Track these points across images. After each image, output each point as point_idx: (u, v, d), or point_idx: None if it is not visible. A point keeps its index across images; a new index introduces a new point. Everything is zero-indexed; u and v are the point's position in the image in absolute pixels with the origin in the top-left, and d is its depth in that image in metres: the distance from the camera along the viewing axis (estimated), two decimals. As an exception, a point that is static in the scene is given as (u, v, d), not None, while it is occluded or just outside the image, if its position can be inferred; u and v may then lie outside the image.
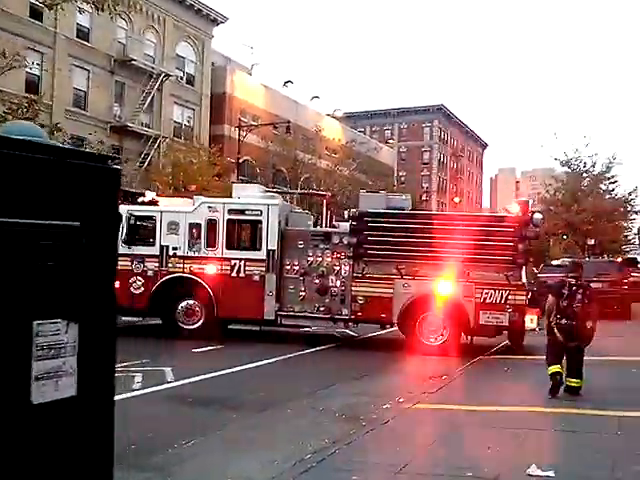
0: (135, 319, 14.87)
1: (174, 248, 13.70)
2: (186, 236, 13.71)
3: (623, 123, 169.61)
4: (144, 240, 13.99)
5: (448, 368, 10.92)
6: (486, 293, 12.15)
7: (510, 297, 12.11)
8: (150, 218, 14.07)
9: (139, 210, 14.30)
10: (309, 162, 46.31)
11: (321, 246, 13.33)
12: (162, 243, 13.79)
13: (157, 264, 13.78)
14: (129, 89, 36.51)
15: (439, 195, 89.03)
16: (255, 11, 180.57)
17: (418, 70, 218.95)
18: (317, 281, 13.24)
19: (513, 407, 7.77)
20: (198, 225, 13.68)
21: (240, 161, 41.77)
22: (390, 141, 79.69)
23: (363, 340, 14.94)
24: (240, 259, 13.47)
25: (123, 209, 14.82)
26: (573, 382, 8.20)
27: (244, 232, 14.17)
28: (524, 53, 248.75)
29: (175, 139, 39.30)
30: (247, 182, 44.84)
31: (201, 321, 13.64)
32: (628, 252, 45.05)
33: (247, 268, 13.40)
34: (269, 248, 13.35)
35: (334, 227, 14.81)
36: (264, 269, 13.34)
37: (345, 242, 13.12)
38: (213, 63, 44.59)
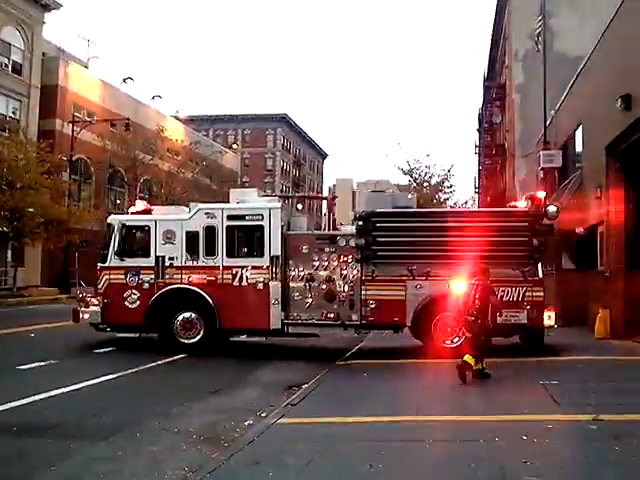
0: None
1: (171, 258, 12.76)
2: (183, 245, 12.76)
3: (458, 135, 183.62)
4: (138, 251, 13.02)
5: (306, 375, 10.42)
6: (502, 291, 11.50)
7: (527, 294, 11.67)
8: (144, 228, 13.03)
9: (132, 220, 13.23)
10: (150, 163, 44.16)
11: (326, 250, 12.53)
12: (158, 253, 12.82)
13: (153, 276, 12.75)
14: (-58, 73, 32.32)
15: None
16: (96, 1, 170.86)
17: (263, 78, 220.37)
18: (324, 286, 12.46)
19: (383, 417, 7.38)
20: (196, 233, 12.75)
21: (73, 159, 38.78)
22: (234, 146, 78.74)
23: (216, 348, 14.01)
24: (242, 267, 12.54)
25: (115, 219, 13.47)
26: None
27: (245, 238, 13.08)
28: (364, 69, 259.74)
29: (-3, 132, 35.49)
30: (81, 181, 41.98)
31: (200, 334, 12.66)
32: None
33: (250, 276, 12.56)
34: (272, 254, 12.51)
35: (336, 230, 13.85)
36: (268, 276, 12.51)
37: (352, 244, 12.36)
38: (44, 53, 40.97)
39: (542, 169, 24.25)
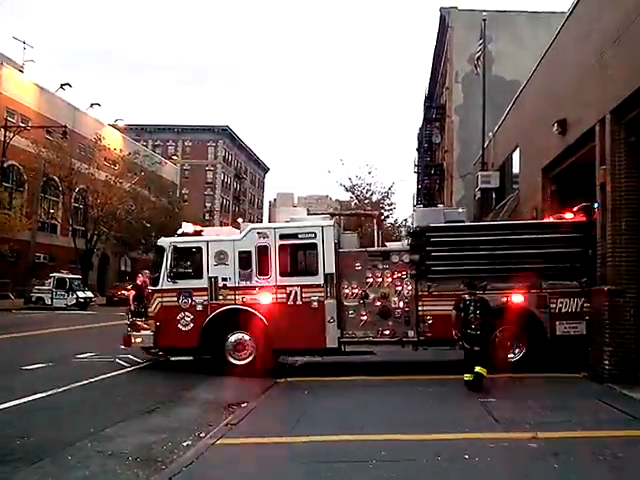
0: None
1: (224, 279, 12.42)
2: (236, 265, 12.47)
3: (399, 153, 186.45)
4: (191, 273, 12.70)
5: (246, 393, 10.22)
6: (561, 302, 11.64)
7: (586, 305, 11.57)
8: (196, 249, 12.68)
9: (183, 242, 12.85)
10: (86, 172, 42.96)
11: (380, 266, 12.30)
12: (210, 274, 12.46)
13: (206, 297, 12.45)
14: None
15: (222, 215, 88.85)
16: (34, 4, 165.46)
17: (205, 89, 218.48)
18: (378, 303, 12.19)
19: (324, 437, 7.26)
20: (248, 253, 12.49)
21: (4, 165, 37.32)
22: (174, 157, 77.68)
23: (152, 366, 13.61)
24: (296, 286, 12.23)
25: (166, 241, 13.03)
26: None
27: (298, 257, 12.76)
28: (308, 85, 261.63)
29: None
30: (12, 189, 40.38)
31: (253, 355, 12.35)
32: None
33: (304, 295, 12.29)
34: (326, 272, 12.27)
35: (385, 246, 13.59)
36: (322, 294, 12.23)
37: (406, 260, 12.18)
38: (-25, 53, 39.46)
39: (479, 189, 24.87)
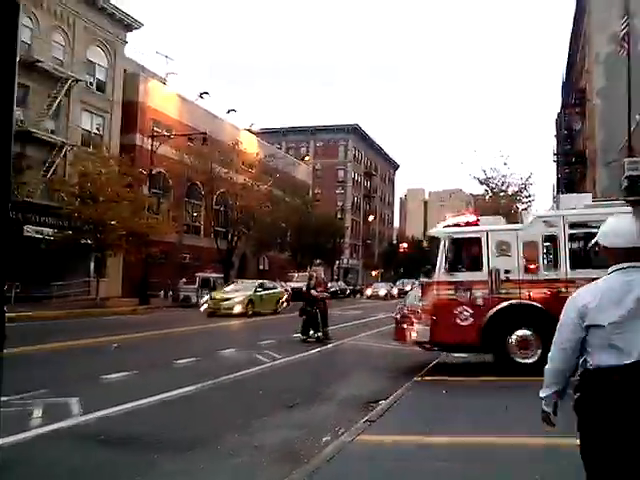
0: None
1: (506, 271, 11.76)
2: (520, 257, 11.81)
3: (536, 141, 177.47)
4: (469, 265, 12.25)
5: (385, 391, 10.25)
6: None
7: None
8: (474, 240, 12.15)
9: (461, 232, 12.35)
10: (226, 176, 45.13)
11: None
12: (491, 267, 11.84)
13: (487, 291, 11.80)
14: (34, 93, 34.17)
15: (353, 213, 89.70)
16: (173, 18, 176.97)
17: (334, 89, 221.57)
18: None
19: (464, 437, 7.12)
20: (534, 243, 11.82)
21: (152, 172, 40.10)
22: (306, 158, 79.50)
23: (289, 363, 14.06)
24: (589, 279, 11.91)
25: (442, 232, 12.55)
26: None
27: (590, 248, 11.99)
28: (437, 74, 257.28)
29: (83, 147, 37.18)
30: (160, 195, 43.29)
31: (539, 354, 11.47)
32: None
33: None
34: None
35: None
36: None
37: None
38: (125, 70, 42.73)
39: (627, 177, 23.20)
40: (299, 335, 18.20)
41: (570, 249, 11.56)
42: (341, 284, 49.16)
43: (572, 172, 41.69)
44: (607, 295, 3.20)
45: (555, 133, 53.09)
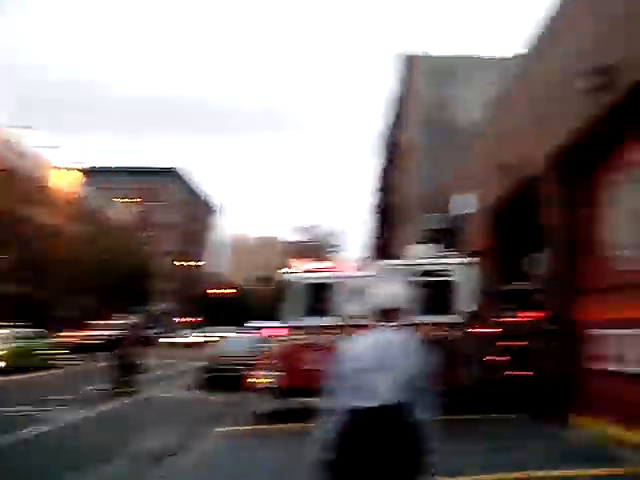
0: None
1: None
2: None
3: (353, 192, 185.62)
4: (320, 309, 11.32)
5: (178, 443, 9.59)
6: None
7: None
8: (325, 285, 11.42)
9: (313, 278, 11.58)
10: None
11: None
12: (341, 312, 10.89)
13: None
14: None
15: (172, 256, 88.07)
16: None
17: (155, 132, 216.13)
18: None
19: None
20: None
21: None
22: (124, 199, 76.77)
23: (85, 420, 12.77)
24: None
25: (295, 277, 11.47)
26: None
27: None
28: (260, 131, 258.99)
29: None
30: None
31: None
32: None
33: None
34: None
35: None
36: None
37: None
38: None
39: (424, 230, 25.20)
40: (103, 387, 16.81)
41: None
42: (150, 332, 47.02)
43: (381, 224, 44.19)
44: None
45: (375, 187, 56.31)
